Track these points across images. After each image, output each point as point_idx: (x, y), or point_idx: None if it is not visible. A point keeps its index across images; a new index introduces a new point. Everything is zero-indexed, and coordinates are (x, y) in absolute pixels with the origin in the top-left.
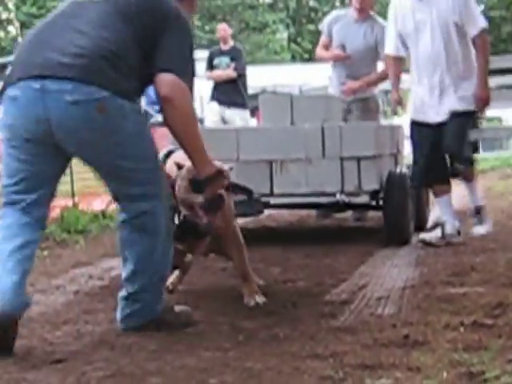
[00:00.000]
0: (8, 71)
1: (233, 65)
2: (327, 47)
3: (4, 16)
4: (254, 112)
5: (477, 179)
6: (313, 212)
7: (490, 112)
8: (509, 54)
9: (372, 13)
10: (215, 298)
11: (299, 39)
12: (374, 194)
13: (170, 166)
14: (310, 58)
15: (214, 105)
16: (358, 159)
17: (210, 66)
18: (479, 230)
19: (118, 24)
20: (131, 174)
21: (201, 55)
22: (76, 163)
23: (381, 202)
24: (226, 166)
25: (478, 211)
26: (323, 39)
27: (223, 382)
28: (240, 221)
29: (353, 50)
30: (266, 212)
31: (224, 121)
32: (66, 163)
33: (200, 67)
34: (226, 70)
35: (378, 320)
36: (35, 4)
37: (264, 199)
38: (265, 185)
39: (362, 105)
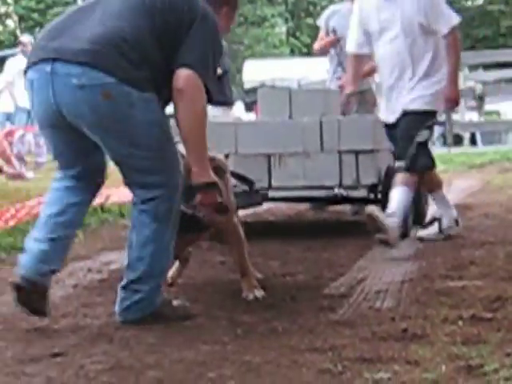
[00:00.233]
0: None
1: None
2: None
3: (2, 10)
4: (252, 106)
5: (414, 187)
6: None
7: (488, 106)
8: (507, 49)
9: None
10: (214, 291)
11: (298, 33)
12: (372, 188)
13: None
14: (309, 51)
15: None
16: (356, 153)
17: None
18: (426, 231)
19: (138, 17)
20: (140, 162)
21: None
22: None
23: (379, 196)
24: (220, 155)
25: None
26: (321, 35)
27: (222, 376)
28: (239, 214)
29: None
30: (265, 206)
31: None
32: (90, 140)
33: None
34: None
35: (377, 313)
36: None
37: (262, 192)
38: (263, 178)
39: (359, 97)
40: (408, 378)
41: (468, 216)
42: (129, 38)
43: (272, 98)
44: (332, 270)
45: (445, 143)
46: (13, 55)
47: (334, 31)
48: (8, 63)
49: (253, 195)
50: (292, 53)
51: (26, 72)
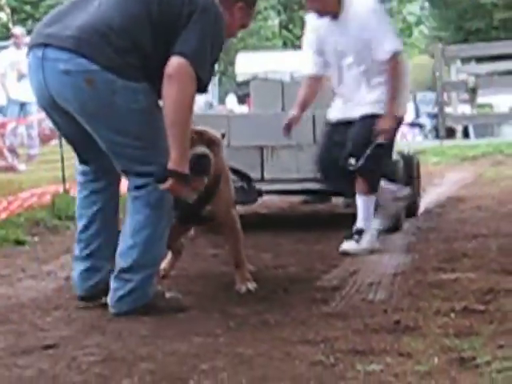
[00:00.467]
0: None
1: None
2: None
3: None
4: (244, 98)
5: (372, 197)
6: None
7: (481, 99)
8: (500, 41)
9: None
10: (206, 283)
11: (291, 26)
12: None
13: None
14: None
15: None
16: None
17: None
18: (350, 245)
19: (133, 6)
20: (130, 151)
21: None
22: (67, 150)
23: None
24: (217, 134)
25: (360, 232)
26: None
27: (214, 368)
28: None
29: None
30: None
31: None
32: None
33: None
34: None
35: (369, 306)
36: None
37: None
38: (256, 171)
39: None
40: (400, 370)
41: (460, 208)
42: (116, 27)
43: (264, 90)
44: (324, 263)
45: (437, 136)
46: (5, 47)
47: None
48: (0, 55)
49: (250, 192)
50: (285, 45)
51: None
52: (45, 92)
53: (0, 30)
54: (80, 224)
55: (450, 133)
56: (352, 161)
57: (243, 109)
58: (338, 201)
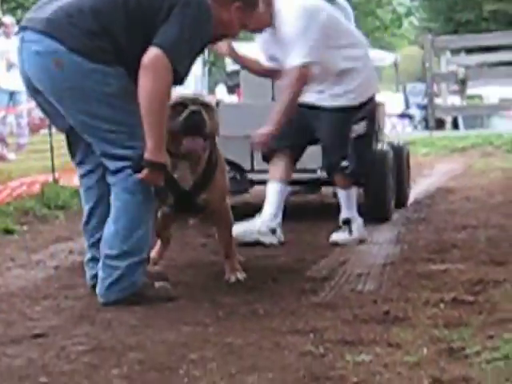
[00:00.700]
0: None
1: None
2: None
3: None
4: (234, 89)
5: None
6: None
7: (470, 90)
8: (490, 33)
9: None
10: (195, 273)
11: None
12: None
13: None
14: None
15: None
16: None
17: None
18: (339, 235)
19: None
20: (99, 133)
21: None
22: (56, 139)
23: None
24: (212, 100)
25: (347, 222)
26: None
27: (203, 357)
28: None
29: None
30: None
31: None
32: None
33: None
34: None
35: (359, 296)
36: None
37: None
38: (245, 161)
39: None
40: (389, 361)
41: (450, 199)
42: (87, 10)
43: (254, 80)
44: (314, 253)
45: (427, 127)
46: None
47: None
48: None
49: (241, 182)
50: None
51: None
52: (25, 74)
53: None
54: (83, 217)
55: (440, 124)
56: (344, 163)
57: (233, 99)
58: (327, 191)
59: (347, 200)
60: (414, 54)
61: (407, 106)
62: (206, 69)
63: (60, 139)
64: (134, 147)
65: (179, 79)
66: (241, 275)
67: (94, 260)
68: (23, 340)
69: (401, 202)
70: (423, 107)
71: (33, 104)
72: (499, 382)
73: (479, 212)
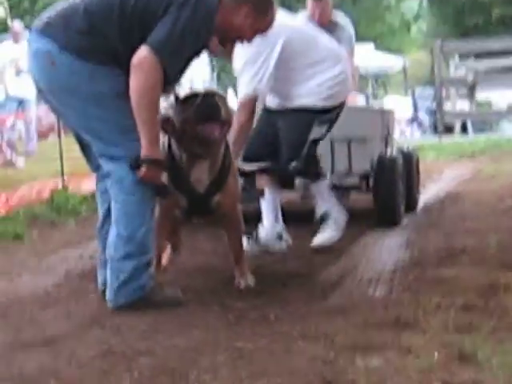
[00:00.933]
0: None
1: None
2: None
3: None
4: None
5: (320, 182)
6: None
7: (479, 94)
8: (498, 37)
9: None
10: (205, 278)
11: None
12: (364, 176)
13: None
14: None
15: None
16: (349, 141)
17: None
18: (318, 239)
19: None
20: (92, 132)
21: None
22: (66, 145)
23: (371, 184)
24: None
25: (325, 218)
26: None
27: (214, 362)
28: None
29: None
30: None
31: None
32: None
33: None
34: None
35: (369, 301)
36: None
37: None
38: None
39: None
40: (400, 365)
41: (459, 204)
42: (81, 10)
43: None
44: (323, 258)
45: (435, 132)
46: (0, 41)
47: None
48: None
49: (252, 192)
50: None
51: None
52: (31, 73)
53: None
54: (98, 222)
55: (449, 128)
56: (293, 164)
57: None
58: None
59: (319, 194)
60: (422, 58)
61: (415, 109)
62: (215, 74)
63: (69, 145)
64: (128, 147)
65: (171, 77)
66: (251, 280)
67: (107, 264)
68: (34, 345)
69: (410, 207)
70: (432, 112)
71: (41, 110)
72: None
73: (489, 216)
